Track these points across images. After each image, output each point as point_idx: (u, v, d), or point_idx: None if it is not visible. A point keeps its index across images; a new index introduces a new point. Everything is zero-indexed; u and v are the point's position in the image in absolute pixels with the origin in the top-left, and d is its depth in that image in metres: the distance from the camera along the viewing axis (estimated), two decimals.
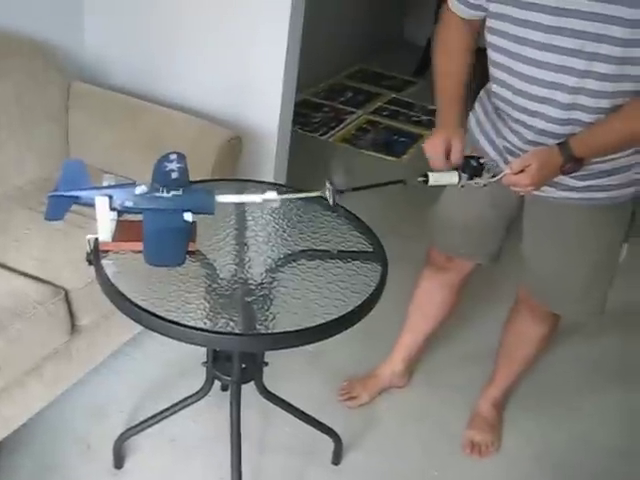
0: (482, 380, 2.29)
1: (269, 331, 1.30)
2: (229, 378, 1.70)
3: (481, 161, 1.52)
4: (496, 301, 2.65)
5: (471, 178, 1.50)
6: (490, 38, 1.55)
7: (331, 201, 1.40)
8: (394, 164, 4.04)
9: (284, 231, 1.60)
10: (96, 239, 1.43)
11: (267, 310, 1.35)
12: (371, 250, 1.56)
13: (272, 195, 1.45)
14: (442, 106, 1.68)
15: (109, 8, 2.74)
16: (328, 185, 1.40)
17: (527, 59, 1.47)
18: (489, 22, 1.54)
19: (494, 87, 1.63)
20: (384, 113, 4.79)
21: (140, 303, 1.28)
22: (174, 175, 1.50)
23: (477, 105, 1.80)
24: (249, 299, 1.38)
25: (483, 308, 2.75)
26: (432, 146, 1.58)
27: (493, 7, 1.51)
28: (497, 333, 2.14)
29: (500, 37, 1.51)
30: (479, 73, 1.70)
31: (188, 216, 1.39)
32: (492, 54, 1.57)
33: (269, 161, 2.71)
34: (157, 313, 1.27)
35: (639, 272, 2.65)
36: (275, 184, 1.61)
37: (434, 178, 1.48)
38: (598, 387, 2.53)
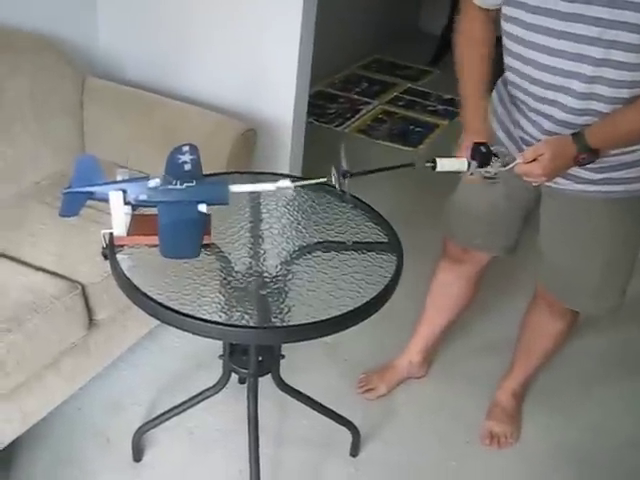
0: (500, 371, 2.27)
1: (284, 324, 1.29)
2: (246, 371, 1.70)
3: (492, 149, 1.48)
4: (514, 293, 2.64)
5: (481, 166, 1.47)
6: (505, 26, 1.52)
7: (337, 186, 1.38)
8: (410, 154, 4.02)
9: (299, 223, 1.59)
10: (111, 234, 1.43)
11: (282, 303, 1.34)
12: (386, 241, 1.55)
13: (285, 183, 1.44)
14: (468, 106, 1.65)
15: (122, 3, 2.74)
16: (333, 171, 1.38)
17: (542, 47, 1.44)
18: (504, 9, 1.51)
19: (510, 76, 1.61)
20: (400, 103, 4.77)
21: (155, 297, 1.28)
22: (187, 167, 1.49)
23: (494, 94, 1.77)
24: (264, 292, 1.37)
25: (501, 299, 2.73)
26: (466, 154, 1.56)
27: None
28: (515, 324, 2.13)
29: (515, 25, 1.48)
30: (495, 62, 1.67)
31: (202, 207, 1.39)
32: (507, 42, 1.54)
33: (284, 153, 2.71)
34: (172, 307, 1.26)
35: None
36: (289, 175, 1.60)
37: (442, 164, 1.45)
38: (616, 379, 2.51)
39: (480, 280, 2.13)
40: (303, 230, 1.58)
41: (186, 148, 1.54)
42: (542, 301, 1.97)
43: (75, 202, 1.38)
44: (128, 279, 1.34)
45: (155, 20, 2.72)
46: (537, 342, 2.08)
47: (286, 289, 1.37)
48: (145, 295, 1.29)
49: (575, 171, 1.57)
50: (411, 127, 4.39)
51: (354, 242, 1.53)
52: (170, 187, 1.39)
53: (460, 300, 2.17)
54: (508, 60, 1.58)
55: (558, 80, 1.46)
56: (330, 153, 1.43)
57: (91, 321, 1.84)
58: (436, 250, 2.13)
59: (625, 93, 1.41)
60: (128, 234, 1.43)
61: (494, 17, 1.62)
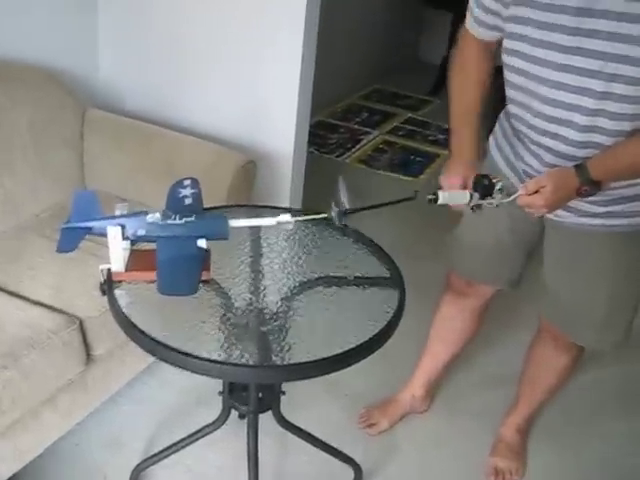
0: (504, 406, 2.24)
1: (285, 362, 1.27)
2: (246, 408, 1.67)
3: (494, 181, 1.47)
4: (518, 326, 2.61)
5: (483, 198, 1.46)
6: (507, 59, 1.52)
7: (337, 222, 1.37)
8: (411, 184, 4.01)
9: (300, 257, 1.58)
10: (109, 269, 1.41)
11: (283, 340, 1.32)
12: (388, 276, 1.53)
13: (285, 217, 1.42)
14: (457, 133, 1.66)
15: (123, 36, 2.76)
16: (333, 206, 1.37)
17: (545, 80, 1.44)
18: (506, 43, 1.51)
19: (512, 108, 1.60)
20: (400, 133, 4.78)
21: (153, 335, 1.26)
22: (188, 201, 1.48)
23: (497, 127, 1.77)
24: (264, 329, 1.35)
25: (505, 333, 2.70)
26: (448, 183, 1.56)
27: (510, 27, 1.48)
28: (519, 358, 2.10)
29: (517, 58, 1.48)
30: (497, 92, 1.67)
31: (202, 242, 1.37)
32: (509, 75, 1.54)
33: (285, 185, 2.70)
34: (170, 344, 1.24)
35: None
36: (288, 209, 1.59)
37: (444, 197, 1.44)
38: (622, 414, 2.47)
39: (484, 313, 2.11)
40: (304, 265, 1.56)
41: (187, 182, 1.53)
42: (547, 335, 1.94)
43: (73, 237, 1.37)
44: (126, 316, 1.32)
45: (155, 52, 2.73)
46: (542, 376, 2.05)
47: (287, 326, 1.35)
48: (143, 332, 1.27)
49: (577, 204, 1.56)
50: (412, 157, 4.39)
51: (356, 277, 1.52)
52: (169, 222, 1.38)
53: (464, 334, 2.15)
54: (510, 92, 1.57)
55: (560, 113, 1.45)
56: (331, 183, 1.42)
57: (89, 356, 1.82)
58: (439, 283, 2.11)
59: (627, 126, 1.40)
60: (126, 270, 1.42)
61: (492, 48, 1.62)
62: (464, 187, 1.53)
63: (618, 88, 1.35)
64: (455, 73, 1.69)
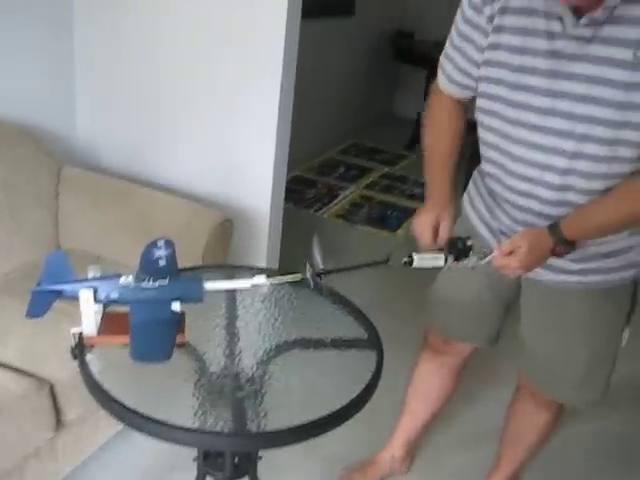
0: (486, 465, 2.20)
1: (261, 430, 1.24)
2: (222, 474, 1.62)
3: (468, 243, 1.47)
4: (498, 382, 2.60)
5: (458, 260, 1.46)
6: (481, 118, 1.53)
7: (311, 284, 1.35)
8: (389, 239, 4.02)
9: (276, 319, 1.56)
10: (81, 333, 1.38)
11: (259, 406, 1.29)
12: (366, 337, 1.51)
13: (260, 279, 1.40)
14: (431, 182, 1.68)
15: (100, 94, 2.77)
16: (307, 267, 1.36)
17: (518, 140, 1.45)
18: (479, 102, 1.53)
19: (486, 167, 1.61)
20: (377, 187, 4.81)
21: (125, 402, 1.22)
22: (162, 262, 1.45)
23: (471, 186, 1.78)
24: (240, 394, 1.32)
25: (485, 389, 2.67)
26: (420, 224, 1.57)
27: (483, 87, 1.50)
28: (500, 414, 2.07)
29: (491, 117, 1.50)
30: (470, 148, 1.69)
31: (176, 306, 1.35)
32: (483, 133, 1.55)
33: (262, 242, 2.69)
34: (143, 412, 1.20)
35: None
36: (264, 269, 1.58)
37: (419, 259, 1.44)
38: (603, 472, 2.44)
39: (462, 371, 2.09)
40: (280, 327, 1.54)
41: (161, 243, 1.51)
42: (526, 392, 1.92)
43: (43, 301, 1.34)
44: (97, 382, 1.28)
45: (132, 110, 2.74)
46: (523, 434, 2.02)
47: (262, 391, 1.32)
48: (114, 400, 1.23)
49: (554, 262, 1.56)
50: (389, 211, 4.41)
51: (332, 339, 1.49)
52: (142, 285, 1.35)
53: (442, 391, 2.12)
54: (484, 150, 1.58)
55: (533, 172, 1.46)
56: (309, 239, 1.41)
57: (59, 421, 1.77)
58: (418, 340, 2.09)
59: (599, 185, 1.41)
60: (99, 333, 1.38)
61: (465, 103, 1.64)
62: (436, 230, 1.53)
63: (589, 148, 1.37)
64: (428, 127, 1.70)
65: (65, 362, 1.70)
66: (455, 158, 1.66)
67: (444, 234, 1.54)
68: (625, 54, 1.29)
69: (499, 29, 1.44)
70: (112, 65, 2.71)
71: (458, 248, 1.46)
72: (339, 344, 1.48)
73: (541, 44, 1.38)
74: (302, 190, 4.57)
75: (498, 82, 1.45)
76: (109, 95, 2.77)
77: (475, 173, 1.76)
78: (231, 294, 1.62)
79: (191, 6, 2.49)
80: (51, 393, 1.72)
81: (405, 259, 1.43)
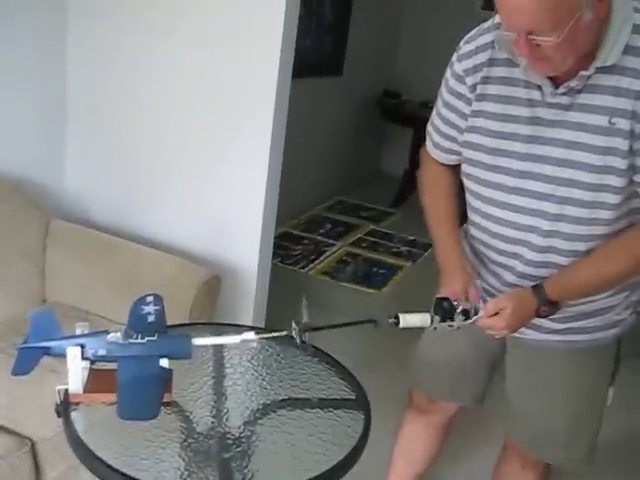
0: None
1: None
2: None
3: (454, 303, 1.49)
4: (485, 441, 2.58)
5: (444, 320, 1.47)
6: (466, 182, 1.58)
7: (298, 341, 1.36)
8: (375, 297, 4.02)
9: (263, 379, 1.56)
10: (66, 390, 1.37)
11: (246, 467, 1.27)
12: (353, 397, 1.51)
13: (249, 335, 1.41)
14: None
15: (90, 148, 2.80)
16: (294, 325, 1.37)
17: (500, 203, 1.49)
18: (464, 167, 1.57)
19: (471, 228, 1.64)
20: (363, 245, 4.83)
21: (110, 462, 1.21)
22: (150, 318, 1.46)
23: None
24: (227, 455, 1.31)
25: (471, 448, 2.65)
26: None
27: (466, 153, 1.55)
28: (487, 474, 2.05)
29: (474, 182, 1.54)
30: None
31: (164, 362, 1.35)
32: (468, 197, 1.59)
33: (248, 299, 2.68)
34: (128, 473, 1.19)
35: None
36: (253, 327, 1.58)
37: (405, 320, 1.45)
38: None
39: (448, 430, 2.07)
40: (268, 386, 1.54)
41: (150, 298, 1.51)
42: (512, 451, 1.91)
43: (30, 358, 1.33)
44: (81, 441, 1.27)
45: (121, 165, 2.77)
46: None
47: (250, 452, 1.31)
48: (99, 459, 1.22)
49: (538, 321, 1.57)
50: (375, 269, 4.42)
51: (320, 399, 1.49)
52: (131, 341, 1.35)
53: (428, 451, 2.10)
54: (469, 213, 1.62)
55: (516, 234, 1.49)
56: (295, 296, 1.42)
57: None
58: (405, 398, 2.07)
59: (582, 246, 1.45)
60: (85, 391, 1.37)
61: (456, 166, 1.67)
62: (466, 295, 1.52)
63: (570, 210, 1.41)
64: (424, 190, 1.73)
65: (47, 419, 1.68)
66: (456, 211, 1.68)
67: (475, 297, 1.52)
68: (601, 120, 1.35)
69: (481, 97, 1.49)
70: (103, 119, 2.75)
71: (444, 308, 1.47)
72: (327, 404, 1.47)
73: (522, 111, 1.43)
74: (289, 247, 4.58)
75: (479, 148, 1.50)
76: (98, 149, 2.79)
77: (461, 233, 1.79)
78: (219, 352, 1.61)
79: (184, 60, 2.54)
80: (32, 451, 1.69)
81: (392, 319, 1.44)
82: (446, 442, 2.10)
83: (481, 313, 1.47)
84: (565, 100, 1.38)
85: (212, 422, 1.39)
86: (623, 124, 1.33)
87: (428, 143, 1.70)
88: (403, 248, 4.81)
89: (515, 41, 1.28)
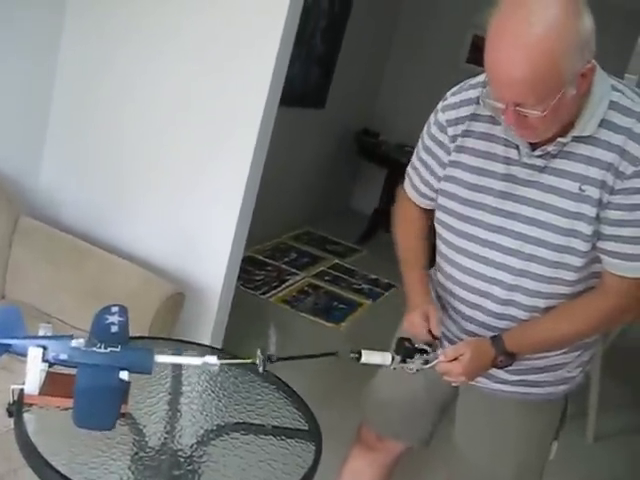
0: None
1: None
2: None
3: (416, 345, 1.52)
4: None
5: (404, 361, 1.50)
6: (438, 229, 1.62)
7: (260, 369, 1.38)
8: (332, 331, 4.02)
9: (220, 400, 1.56)
10: (21, 390, 1.36)
11: None
12: (306, 429, 1.52)
13: (211, 359, 1.42)
14: (409, 281, 1.70)
15: (68, 149, 2.80)
16: (259, 353, 1.39)
17: (472, 254, 1.54)
18: (437, 213, 1.62)
19: (438, 275, 1.68)
20: (326, 278, 4.85)
21: (59, 468, 1.20)
22: (114, 329, 1.46)
23: None
24: (177, 472, 1.31)
25: None
26: (412, 325, 1.59)
27: (440, 200, 1.59)
28: None
29: (446, 230, 1.58)
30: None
31: (124, 375, 1.35)
32: (438, 244, 1.63)
33: (208, 319, 2.67)
34: None
35: None
36: (216, 349, 1.59)
37: (367, 356, 1.48)
38: None
39: (393, 469, 2.07)
40: (223, 408, 1.54)
41: (115, 309, 1.52)
42: None
43: None
44: (32, 444, 1.26)
45: (96, 169, 2.77)
46: None
47: (200, 471, 1.32)
48: (48, 464, 1.21)
49: (493, 371, 1.60)
50: (335, 303, 4.44)
51: (274, 427, 1.50)
52: (94, 349, 1.35)
53: None
54: (438, 260, 1.66)
55: (482, 285, 1.54)
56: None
57: None
58: (354, 435, 2.08)
59: (541, 303, 1.50)
60: (40, 393, 1.36)
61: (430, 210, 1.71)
62: (427, 321, 1.56)
63: (534, 267, 1.46)
64: (397, 225, 1.78)
65: None
66: (427, 255, 1.72)
67: (434, 329, 1.56)
68: (572, 186, 1.41)
69: (460, 149, 1.55)
70: (83, 121, 2.76)
71: (405, 348, 1.50)
72: (280, 432, 1.49)
73: (498, 167, 1.49)
74: (252, 271, 4.57)
75: (454, 197, 1.55)
76: (77, 152, 2.79)
77: (430, 273, 1.83)
78: (177, 369, 1.62)
79: (172, 74, 2.58)
80: None
81: (353, 355, 1.47)
82: None
83: (441, 357, 1.50)
84: (540, 162, 1.44)
85: (165, 438, 1.39)
86: (592, 192, 1.39)
87: (406, 184, 1.74)
88: (365, 285, 4.84)
89: (503, 110, 1.34)
